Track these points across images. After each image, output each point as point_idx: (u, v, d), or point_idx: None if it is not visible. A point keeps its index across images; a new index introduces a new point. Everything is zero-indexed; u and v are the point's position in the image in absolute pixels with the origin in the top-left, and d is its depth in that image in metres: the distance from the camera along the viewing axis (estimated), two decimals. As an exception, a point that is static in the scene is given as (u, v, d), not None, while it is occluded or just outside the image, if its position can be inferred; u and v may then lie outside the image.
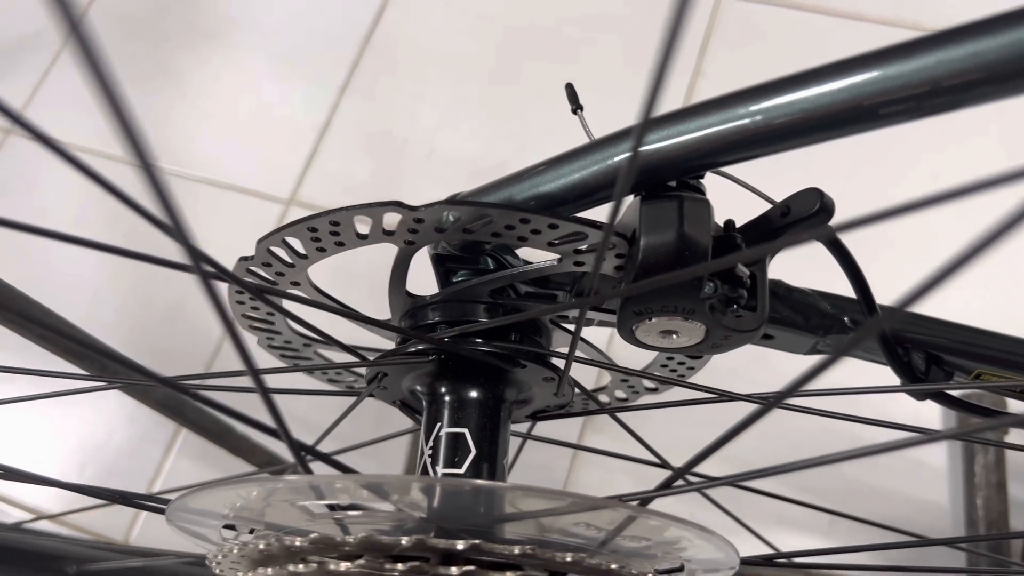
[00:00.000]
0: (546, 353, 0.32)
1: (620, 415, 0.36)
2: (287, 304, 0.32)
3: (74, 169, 0.17)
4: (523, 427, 0.40)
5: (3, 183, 0.97)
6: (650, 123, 0.24)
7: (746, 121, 0.25)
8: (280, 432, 0.22)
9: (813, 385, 0.19)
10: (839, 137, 0.25)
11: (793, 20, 0.88)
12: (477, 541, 0.23)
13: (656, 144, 0.26)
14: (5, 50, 1.03)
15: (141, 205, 0.20)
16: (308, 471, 0.23)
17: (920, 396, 0.34)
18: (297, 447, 0.22)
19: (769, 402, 0.19)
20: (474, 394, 0.32)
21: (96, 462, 0.84)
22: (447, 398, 0.32)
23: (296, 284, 0.32)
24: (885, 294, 0.33)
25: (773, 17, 0.89)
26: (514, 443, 0.38)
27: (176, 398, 0.50)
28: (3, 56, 1.04)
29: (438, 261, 0.33)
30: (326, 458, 0.26)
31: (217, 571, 0.28)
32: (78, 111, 0.96)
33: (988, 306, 0.75)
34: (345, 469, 0.26)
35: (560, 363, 0.32)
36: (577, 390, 0.37)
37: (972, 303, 0.70)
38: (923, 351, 0.35)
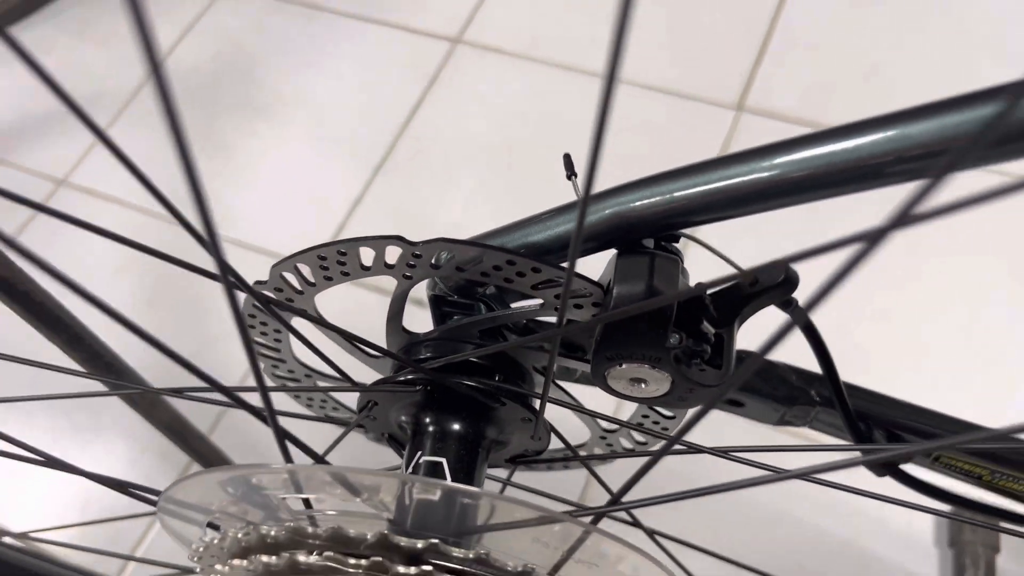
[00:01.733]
0: (523, 392, 0.35)
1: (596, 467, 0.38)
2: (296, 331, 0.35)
3: (136, 179, 0.20)
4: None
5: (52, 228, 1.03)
6: (591, 198, 0.27)
7: (711, 187, 0.28)
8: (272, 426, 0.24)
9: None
10: (799, 203, 0.28)
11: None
12: (436, 540, 0.25)
13: (631, 204, 0.30)
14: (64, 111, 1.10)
15: (183, 215, 0.23)
16: (289, 460, 0.26)
17: (878, 472, 0.36)
18: (281, 435, 0.25)
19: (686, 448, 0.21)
20: (456, 427, 0.34)
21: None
22: (430, 428, 0.34)
23: (303, 311, 0.35)
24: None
25: (789, 133, 0.93)
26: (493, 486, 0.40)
27: (179, 420, 0.53)
28: (63, 116, 1.12)
29: (435, 303, 0.35)
30: (315, 456, 0.28)
31: (198, 566, 0.30)
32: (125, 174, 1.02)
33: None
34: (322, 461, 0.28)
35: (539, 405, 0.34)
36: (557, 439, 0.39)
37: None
38: (884, 429, 0.37)
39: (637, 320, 0.30)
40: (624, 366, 0.31)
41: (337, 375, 0.38)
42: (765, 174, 0.27)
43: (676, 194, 0.29)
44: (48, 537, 0.80)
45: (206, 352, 0.90)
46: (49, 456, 0.31)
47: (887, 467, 0.36)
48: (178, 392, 0.33)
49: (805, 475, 0.22)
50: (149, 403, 0.53)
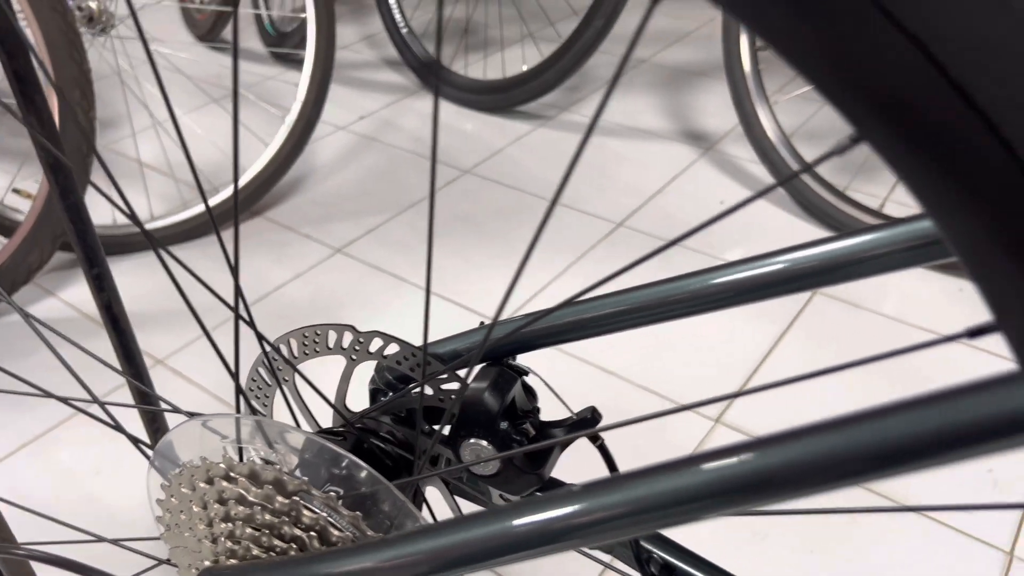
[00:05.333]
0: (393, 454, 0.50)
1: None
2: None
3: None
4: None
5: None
6: (428, 345, 0.45)
7: (548, 323, 0.46)
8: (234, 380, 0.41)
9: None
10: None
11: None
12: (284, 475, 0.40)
13: (496, 335, 0.47)
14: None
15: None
16: (247, 412, 0.42)
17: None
18: (239, 391, 0.42)
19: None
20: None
21: None
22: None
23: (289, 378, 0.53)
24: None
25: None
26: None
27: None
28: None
29: (372, 395, 0.52)
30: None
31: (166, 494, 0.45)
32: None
33: None
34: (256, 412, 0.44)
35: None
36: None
37: None
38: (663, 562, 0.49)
39: (480, 408, 0.46)
40: (472, 440, 0.47)
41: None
42: (580, 316, 0.45)
43: (521, 331, 0.47)
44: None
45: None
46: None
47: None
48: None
49: None
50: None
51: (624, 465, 0.42)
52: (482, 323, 0.50)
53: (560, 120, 1.90)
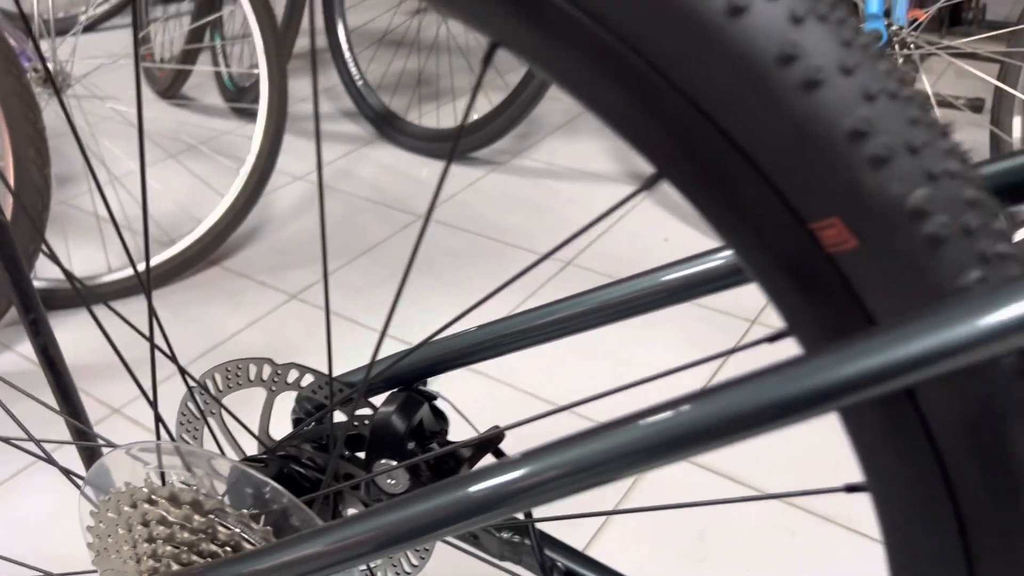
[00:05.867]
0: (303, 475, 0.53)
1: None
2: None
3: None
4: None
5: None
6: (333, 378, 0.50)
7: (440, 351, 0.50)
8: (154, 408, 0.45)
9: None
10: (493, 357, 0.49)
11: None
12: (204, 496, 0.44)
13: (398, 365, 0.52)
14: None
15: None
16: (165, 439, 0.45)
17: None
18: (158, 419, 0.45)
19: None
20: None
21: None
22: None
23: (216, 412, 0.57)
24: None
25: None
26: None
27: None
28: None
29: (294, 424, 0.56)
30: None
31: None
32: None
33: None
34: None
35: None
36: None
37: None
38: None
39: (388, 431, 0.50)
40: (383, 461, 0.51)
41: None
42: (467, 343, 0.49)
43: (419, 359, 0.51)
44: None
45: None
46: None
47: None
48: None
49: None
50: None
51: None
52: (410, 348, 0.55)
53: (511, 165, 1.97)
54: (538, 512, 0.53)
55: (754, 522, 1.03)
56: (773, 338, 0.36)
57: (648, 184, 0.33)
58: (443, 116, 2.15)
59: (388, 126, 2.08)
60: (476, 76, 0.33)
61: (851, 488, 0.37)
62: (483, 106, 2.00)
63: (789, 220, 0.29)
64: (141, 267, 1.48)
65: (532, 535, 0.52)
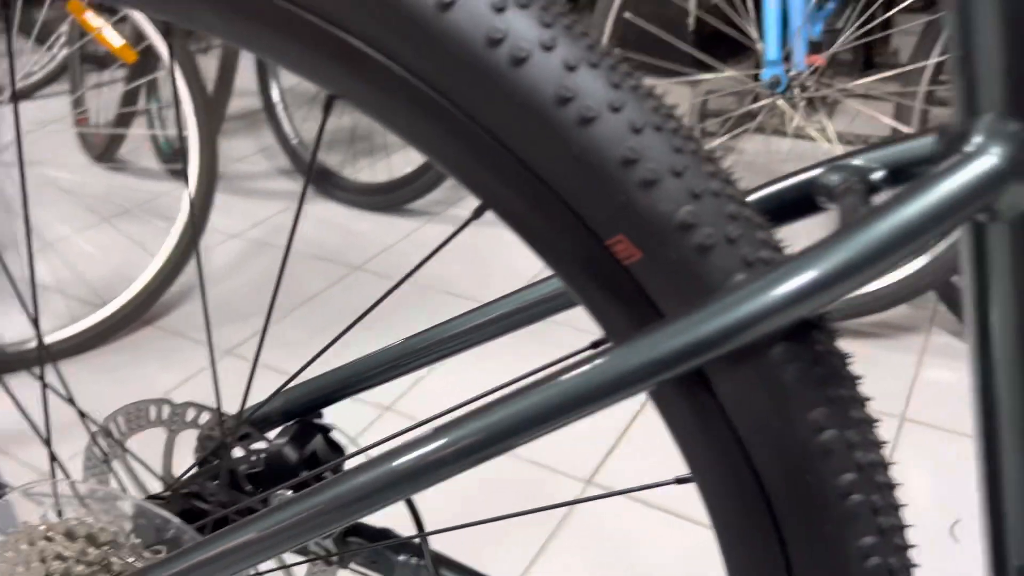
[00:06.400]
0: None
1: None
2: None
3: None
4: None
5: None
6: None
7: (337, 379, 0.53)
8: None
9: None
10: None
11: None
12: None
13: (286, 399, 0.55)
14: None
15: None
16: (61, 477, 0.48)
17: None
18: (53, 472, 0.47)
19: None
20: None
21: None
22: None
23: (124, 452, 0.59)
24: None
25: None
26: None
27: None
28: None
29: (202, 462, 0.59)
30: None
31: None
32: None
33: None
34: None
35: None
36: None
37: None
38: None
39: (282, 461, 0.53)
40: (279, 492, 0.53)
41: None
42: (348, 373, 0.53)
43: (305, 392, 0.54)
44: None
45: None
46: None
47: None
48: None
49: None
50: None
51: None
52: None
53: (446, 215, 2.02)
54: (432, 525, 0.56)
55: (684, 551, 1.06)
56: (596, 344, 0.40)
57: (475, 215, 0.37)
58: (379, 170, 2.20)
59: (324, 182, 2.12)
60: (319, 124, 0.38)
61: (680, 480, 0.41)
62: (416, 159, 2.06)
63: (590, 240, 0.33)
64: (47, 325, 1.49)
65: (426, 554, 0.55)
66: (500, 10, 0.30)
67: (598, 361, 0.32)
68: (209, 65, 2.23)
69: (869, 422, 0.36)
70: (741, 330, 0.30)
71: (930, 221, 0.28)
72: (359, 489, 0.33)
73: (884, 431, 1.22)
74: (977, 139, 0.29)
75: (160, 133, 2.22)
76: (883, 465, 0.36)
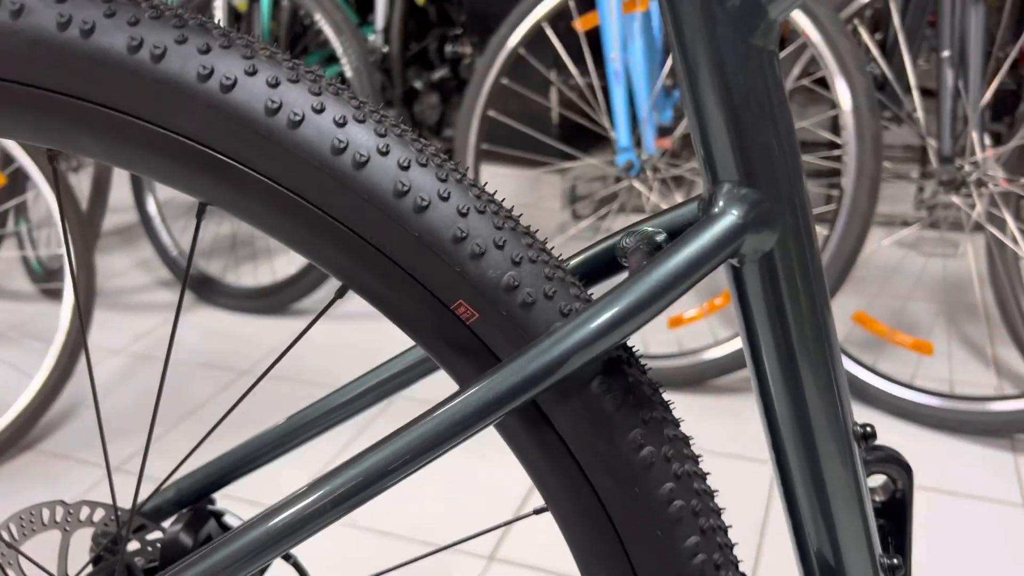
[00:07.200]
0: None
1: None
2: None
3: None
4: None
5: None
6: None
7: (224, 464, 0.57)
8: None
9: None
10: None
11: None
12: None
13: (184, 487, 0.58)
14: None
15: None
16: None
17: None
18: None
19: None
20: None
21: None
22: None
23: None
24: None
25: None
26: None
27: None
28: None
29: (94, 562, 0.60)
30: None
31: None
32: None
33: None
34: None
35: None
36: None
37: None
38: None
39: (177, 547, 0.56)
40: None
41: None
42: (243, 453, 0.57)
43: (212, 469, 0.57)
44: None
45: None
46: None
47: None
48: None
49: None
50: None
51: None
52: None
53: (333, 313, 2.05)
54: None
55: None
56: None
57: (338, 295, 0.43)
58: (261, 274, 2.22)
59: (207, 289, 2.12)
60: (192, 231, 0.43)
61: (538, 511, 0.47)
62: (299, 260, 2.09)
63: (437, 307, 0.40)
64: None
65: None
66: (341, 125, 0.37)
67: (449, 404, 0.38)
68: (82, 183, 2.22)
69: (683, 439, 0.43)
70: (560, 364, 0.37)
71: (691, 268, 0.36)
72: (249, 544, 0.38)
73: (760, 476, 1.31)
74: (720, 203, 0.37)
75: (31, 254, 2.18)
76: (700, 475, 0.44)
